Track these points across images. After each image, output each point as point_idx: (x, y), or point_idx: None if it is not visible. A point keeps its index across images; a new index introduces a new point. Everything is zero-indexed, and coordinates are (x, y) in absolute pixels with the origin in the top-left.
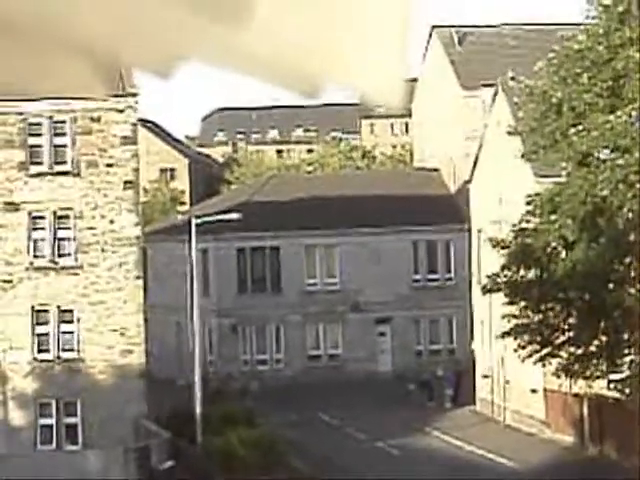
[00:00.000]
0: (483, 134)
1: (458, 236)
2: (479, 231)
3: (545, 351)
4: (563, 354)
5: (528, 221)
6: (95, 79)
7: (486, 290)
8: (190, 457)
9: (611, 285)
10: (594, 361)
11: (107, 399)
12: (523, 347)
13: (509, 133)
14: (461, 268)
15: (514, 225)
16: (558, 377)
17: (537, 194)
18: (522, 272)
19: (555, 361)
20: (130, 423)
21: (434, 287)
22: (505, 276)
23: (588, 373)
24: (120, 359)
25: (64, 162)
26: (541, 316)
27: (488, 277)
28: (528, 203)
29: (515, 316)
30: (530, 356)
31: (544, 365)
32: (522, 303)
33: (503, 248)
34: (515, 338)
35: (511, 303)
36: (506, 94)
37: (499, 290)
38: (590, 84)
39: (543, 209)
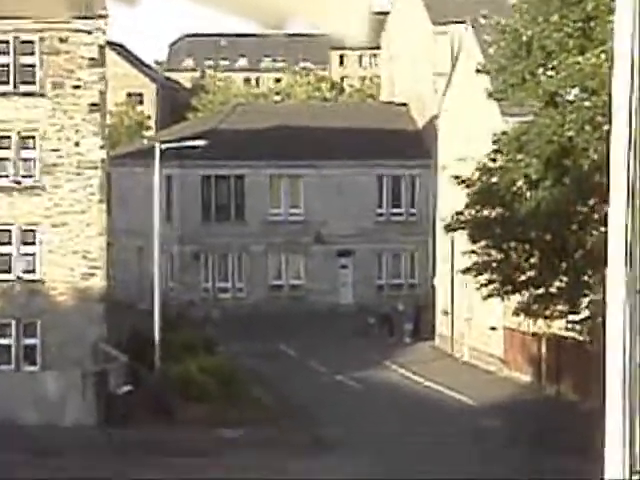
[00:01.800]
0: (452, 71)
1: (423, 172)
2: (444, 168)
3: (506, 289)
4: (524, 293)
5: (494, 160)
6: (64, 1)
7: (449, 228)
8: (148, 383)
9: (574, 226)
10: (554, 301)
11: (67, 321)
12: (485, 285)
13: (478, 71)
14: (425, 204)
15: (480, 163)
16: (518, 316)
17: (504, 133)
18: (486, 211)
19: (515, 300)
20: (89, 346)
21: (397, 222)
22: (469, 214)
23: (548, 313)
24: (81, 282)
25: (30, 82)
26: (503, 255)
27: (452, 216)
28: (494, 142)
29: (477, 253)
30: (491, 295)
31: (503, 299)
32: (484, 241)
33: (468, 186)
34: (476, 275)
35: (474, 241)
36: (476, 31)
37: (462, 228)
38: (561, 24)
39: (509, 148)
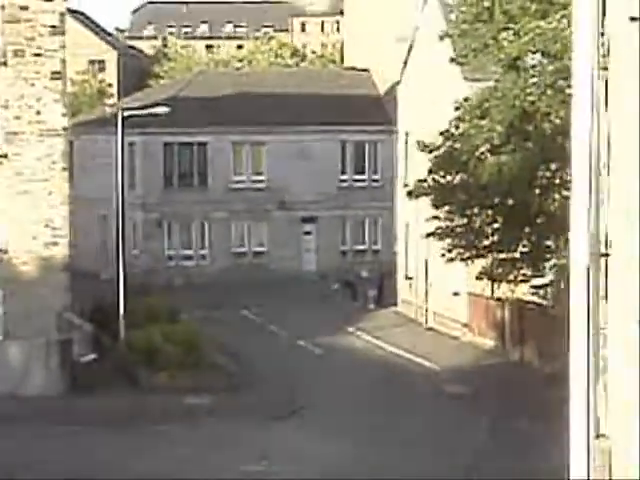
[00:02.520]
0: (414, 36)
1: (386, 138)
2: (407, 134)
3: (469, 254)
4: (487, 258)
5: (457, 126)
6: None
7: (412, 195)
8: (112, 351)
9: (536, 191)
10: (518, 265)
11: (30, 291)
12: (448, 250)
13: (440, 37)
14: (388, 170)
15: (443, 130)
16: (481, 280)
17: (466, 99)
18: (448, 177)
19: (479, 265)
20: (53, 315)
21: (361, 188)
22: (432, 180)
23: (511, 277)
24: (44, 251)
25: None
26: (466, 220)
27: (415, 183)
28: (457, 108)
29: (440, 219)
30: (454, 260)
31: (467, 264)
32: (447, 207)
33: (431, 152)
34: (439, 240)
35: (437, 207)
36: None
37: (425, 195)
38: None
39: (472, 114)
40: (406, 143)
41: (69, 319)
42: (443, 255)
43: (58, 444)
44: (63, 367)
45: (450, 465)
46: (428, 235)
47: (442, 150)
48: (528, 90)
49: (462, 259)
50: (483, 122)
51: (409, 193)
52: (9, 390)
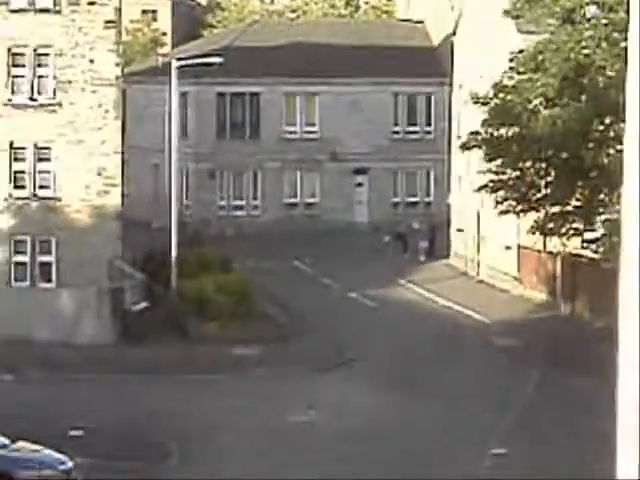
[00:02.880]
0: None
1: (439, 90)
2: (460, 86)
3: (521, 207)
4: (540, 211)
5: (510, 77)
6: None
7: (465, 147)
8: (163, 300)
9: (590, 144)
10: (570, 219)
11: (82, 239)
12: (500, 202)
13: None
14: (441, 122)
15: (496, 83)
16: (533, 234)
17: (520, 51)
18: (502, 129)
19: (531, 218)
20: (105, 264)
21: (413, 140)
22: (485, 133)
23: (563, 231)
24: (97, 199)
25: None
26: (519, 173)
27: (469, 134)
28: (511, 60)
29: (493, 171)
30: (507, 212)
31: (519, 216)
32: (500, 160)
33: (484, 104)
34: (491, 192)
35: (490, 160)
36: None
37: (478, 147)
38: None
39: (526, 66)
40: (460, 95)
41: (121, 268)
42: (495, 208)
43: (108, 392)
44: (114, 316)
45: (496, 419)
46: (480, 188)
47: (495, 102)
48: (583, 43)
49: (514, 212)
50: (537, 75)
51: (462, 145)
52: (61, 338)
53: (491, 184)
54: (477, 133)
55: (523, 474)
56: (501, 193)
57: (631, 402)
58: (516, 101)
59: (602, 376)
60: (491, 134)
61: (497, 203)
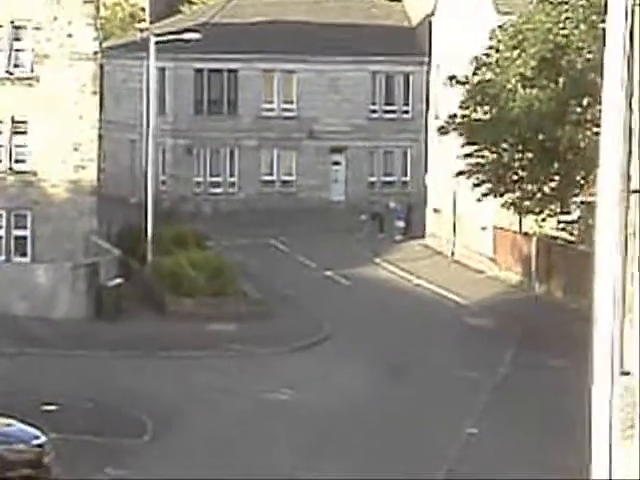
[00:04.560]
0: None
1: (418, 70)
2: (438, 66)
3: (499, 189)
4: (516, 193)
5: (488, 55)
6: None
7: (443, 131)
8: (139, 276)
9: (567, 126)
10: (546, 200)
11: (58, 214)
12: (478, 185)
13: None
14: (418, 102)
15: (475, 58)
16: (508, 209)
17: (500, 26)
18: (479, 111)
19: (507, 199)
20: (80, 239)
21: (391, 119)
22: (462, 115)
23: (538, 210)
24: (73, 174)
25: None
26: (496, 155)
27: (447, 118)
28: (490, 37)
29: (470, 155)
30: (485, 195)
31: (496, 197)
32: (478, 144)
33: (462, 84)
34: (469, 177)
35: (468, 143)
36: None
37: (456, 130)
38: None
39: (505, 44)
40: (438, 75)
41: (96, 243)
42: (473, 190)
43: (82, 367)
44: (90, 291)
45: (471, 397)
46: (459, 174)
47: (474, 81)
48: (561, 24)
49: (492, 194)
50: (516, 53)
51: (440, 129)
52: (36, 313)
53: (469, 168)
54: (455, 116)
55: (495, 453)
56: (479, 176)
57: (605, 382)
58: (494, 80)
59: (576, 357)
60: (468, 117)
61: (475, 186)
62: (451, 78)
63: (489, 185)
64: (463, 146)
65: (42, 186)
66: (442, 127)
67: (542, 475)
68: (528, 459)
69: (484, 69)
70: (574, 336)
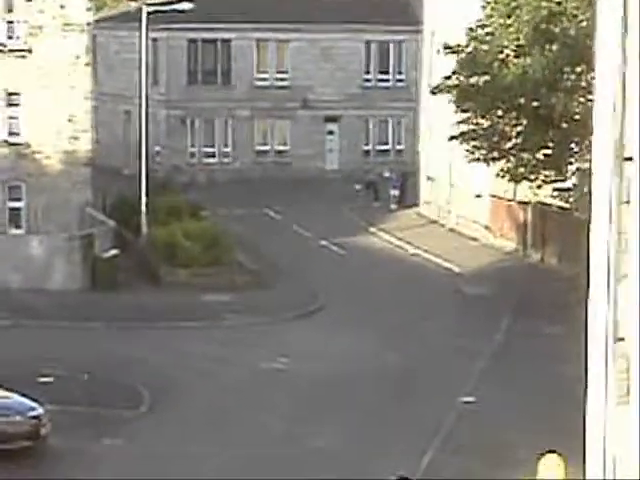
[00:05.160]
0: None
1: (411, 38)
2: (432, 34)
3: (492, 156)
4: (511, 159)
5: (483, 26)
6: None
7: (436, 91)
8: (134, 247)
9: (560, 94)
10: (540, 167)
11: (53, 185)
12: (471, 152)
13: None
14: (412, 71)
15: (469, 29)
16: (503, 177)
17: None
18: (473, 78)
19: (502, 167)
20: (75, 210)
21: (384, 88)
22: (456, 79)
23: (533, 177)
24: (67, 146)
25: None
26: (489, 122)
27: (441, 79)
28: (484, 6)
29: (464, 122)
30: (477, 160)
31: (489, 165)
32: (471, 110)
33: (456, 53)
34: (463, 142)
35: (461, 109)
36: None
37: (449, 92)
38: None
39: (499, 13)
40: (431, 44)
41: (91, 214)
42: (466, 156)
43: (78, 339)
44: (85, 262)
45: (467, 364)
46: (452, 138)
47: (467, 51)
48: None
49: (485, 160)
50: (510, 21)
51: (433, 90)
52: (32, 284)
53: (463, 134)
54: (448, 78)
55: (490, 422)
56: (472, 143)
57: (600, 349)
58: (488, 49)
59: (571, 324)
60: (462, 81)
61: (468, 152)
62: (445, 47)
63: (483, 152)
64: (456, 112)
65: (36, 158)
66: (436, 87)
67: (538, 442)
68: (525, 426)
69: (478, 38)
70: (569, 303)
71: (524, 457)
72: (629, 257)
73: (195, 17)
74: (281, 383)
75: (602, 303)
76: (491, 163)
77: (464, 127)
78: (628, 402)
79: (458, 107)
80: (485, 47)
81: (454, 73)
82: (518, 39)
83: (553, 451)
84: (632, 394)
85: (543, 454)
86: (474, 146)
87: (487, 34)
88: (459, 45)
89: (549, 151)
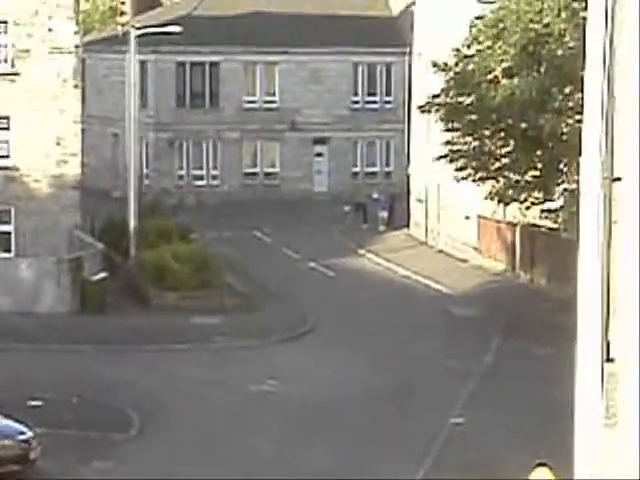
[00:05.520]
0: None
1: (399, 60)
2: (420, 55)
3: (480, 176)
4: (499, 180)
5: (469, 46)
6: None
7: (424, 110)
8: (123, 270)
9: (549, 115)
10: (529, 188)
11: (41, 208)
12: (459, 169)
13: None
14: (400, 92)
15: (456, 50)
16: (492, 200)
17: (480, 17)
18: (461, 97)
19: (490, 185)
20: (64, 233)
21: (373, 110)
22: (444, 103)
23: (522, 199)
24: (56, 169)
25: None
26: (477, 142)
27: (428, 97)
28: (471, 28)
29: (452, 142)
30: (465, 178)
31: (478, 184)
32: (459, 129)
33: (444, 72)
34: (451, 162)
35: (448, 129)
36: None
37: (437, 111)
38: None
39: (486, 35)
40: (419, 64)
41: (80, 237)
42: (456, 177)
43: (68, 362)
44: (74, 285)
45: (456, 386)
46: (440, 157)
47: (456, 70)
48: (543, 12)
49: (473, 180)
50: (497, 43)
51: (420, 108)
52: (21, 307)
53: (451, 153)
54: (437, 96)
55: (480, 443)
56: (460, 162)
57: (588, 370)
58: (476, 70)
59: (560, 346)
60: (450, 101)
61: (456, 170)
62: (434, 65)
63: (470, 171)
64: (445, 132)
65: (25, 181)
66: (423, 106)
67: (527, 460)
68: (513, 446)
69: (465, 60)
70: (558, 324)
71: (513, 474)
72: (618, 277)
73: (183, 40)
74: (270, 405)
75: (591, 324)
76: (480, 183)
77: (452, 147)
78: (617, 423)
79: (446, 126)
80: (472, 66)
81: (442, 90)
82: (506, 60)
83: (544, 464)
84: (621, 415)
85: (534, 467)
86: (462, 166)
87: (474, 55)
88: (446, 64)
89: (537, 172)
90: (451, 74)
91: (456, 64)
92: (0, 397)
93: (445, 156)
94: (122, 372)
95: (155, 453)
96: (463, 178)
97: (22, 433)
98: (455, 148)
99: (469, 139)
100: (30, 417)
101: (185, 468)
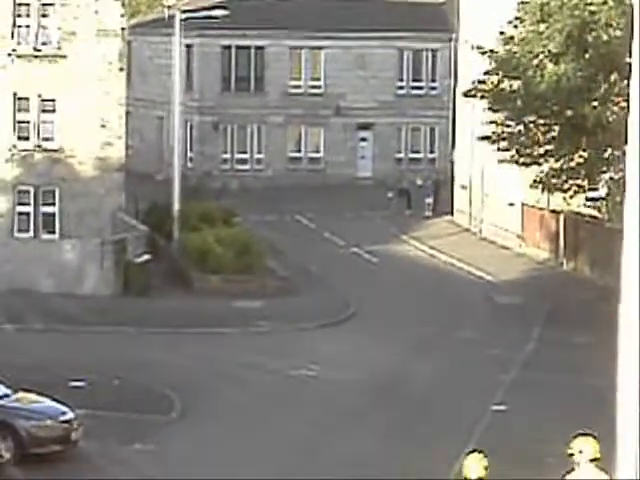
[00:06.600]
0: None
1: (445, 46)
2: (466, 41)
3: (524, 161)
4: (542, 166)
5: (515, 26)
6: None
7: (469, 94)
8: (166, 252)
9: (594, 102)
10: (573, 176)
11: (86, 190)
12: (502, 151)
13: None
14: (446, 78)
15: (501, 32)
16: (536, 188)
17: (525, 2)
18: (507, 82)
19: (534, 176)
20: (108, 216)
21: (418, 96)
22: (491, 83)
23: (566, 187)
24: (100, 151)
25: None
26: (522, 127)
27: (473, 82)
28: (518, 9)
29: (496, 123)
30: (507, 161)
31: (521, 170)
32: (504, 114)
33: (489, 56)
34: (493, 143)
35: (493, 111)
36: None
37: (482, 97)
38: None
39: (532, 17)
40: (465, 51)
41: (124, 219)
42: (500, 161)
43: (110, 344)
44: (117, 267)
45: (497, 375)
46: (483, 138)
47: (500, 53)
48: (589, 0)
49: (516, 162)
50: (543, 26)
51: (465, 92)
52: (64, 289)
53: (494, 135)
54: (482, 82)
55: (522, 431)
56: (503, 144)
57: (632, 361)
58: (521, 53)
59: (603, 334)
60: (495, 85)
61: (499, 150)
62: (478, 47)
63: (513, 154)
64: (486, 111)
65: (70, 163)
66: (468, 91)
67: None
68: (553, 435)
69: (510, 43)
70: (601, 313)
71: (552, 461)
72: None
73: (229, 23)
74: (311, 390)
75: (634, 312)
76: (522, 168)
77: (495, 128)
78: None
79: (490, 110)
80: (519, 50)
81: (486, 73)
82: (551, 46)
83: (587, 434)
84: None
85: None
86: (505, 147)
87: (520, 40)
88: (491, 50)
89: (582, 160)
90: (496, 57)
91: (503, 45)
92: (42, 378)
93: (488, 137)
94: (163, 355)
95: (195, 436)
96: (504, 161)
97: (64, 414)
98: (499, 130)
99: (513, 123)
100: (72, 398)
101: (225, 451)
